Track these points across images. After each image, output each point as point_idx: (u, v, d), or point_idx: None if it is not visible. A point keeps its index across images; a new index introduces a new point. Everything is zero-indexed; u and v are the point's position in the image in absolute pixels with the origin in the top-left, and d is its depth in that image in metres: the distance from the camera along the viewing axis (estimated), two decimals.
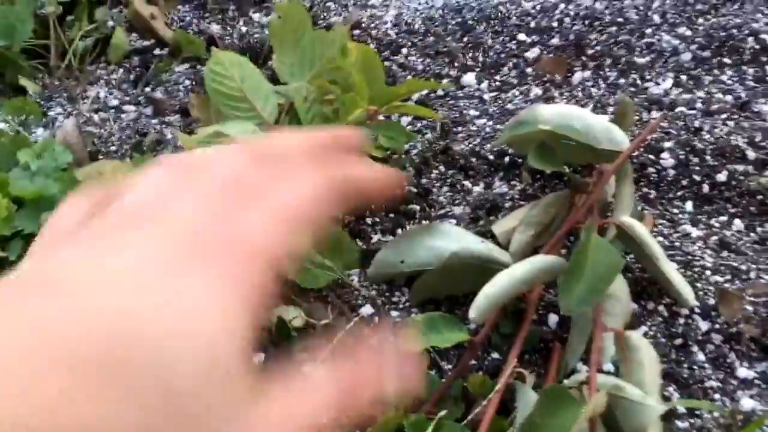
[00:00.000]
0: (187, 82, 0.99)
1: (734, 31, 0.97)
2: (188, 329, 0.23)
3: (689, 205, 0.81)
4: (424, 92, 0.95)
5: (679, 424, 0.63)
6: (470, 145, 0.87)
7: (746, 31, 0.96)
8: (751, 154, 0.81)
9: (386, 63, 0.98)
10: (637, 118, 0.88)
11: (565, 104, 0.86)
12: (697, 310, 0.70)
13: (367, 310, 0.72)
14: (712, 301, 0.70)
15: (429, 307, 0.73)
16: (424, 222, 0.81)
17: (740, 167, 0.81)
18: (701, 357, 0.67)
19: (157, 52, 1.03)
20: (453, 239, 0.73)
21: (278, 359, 0.68)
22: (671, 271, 0.68)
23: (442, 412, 0.61)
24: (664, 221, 0.79)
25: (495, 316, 0.66)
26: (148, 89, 0.98)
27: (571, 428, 0.47)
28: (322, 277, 0.73)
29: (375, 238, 0.79)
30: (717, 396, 0.65)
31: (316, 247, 0.73)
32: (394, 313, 0.72)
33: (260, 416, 0.24)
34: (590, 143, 0.73)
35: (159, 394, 0.21)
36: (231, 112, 0.83)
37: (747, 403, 0.64)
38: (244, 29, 1.05)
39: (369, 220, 0.81)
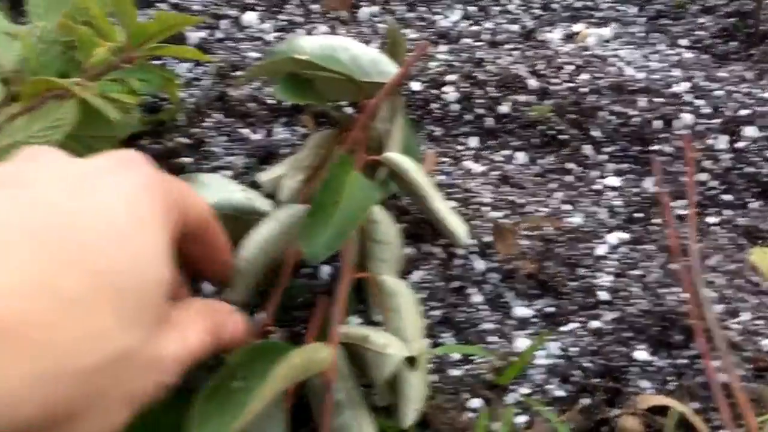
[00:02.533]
0: None
1: None
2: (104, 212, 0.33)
3: (473, 141, 0.73)
4: (203, 35, 0.84)
5: (453, 372, 0.56)
6: (249, 90, 0.77)
7: None
8: (533, 83, 0.75)
9: (159, 5, 0.85)
10: (425, 50, 0.79)
11: (330, 35, 0.76)
12: (474, 249, 0.63)
13: None
14: (490, 239, 0.63)
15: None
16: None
17: (522, 97, 0.74)
18: (478, 299, 0.61)
19: None
20: (213, 190, 0.62)
21: None
22: (443, 208, 0.60)
23: None
24: (448, 159, 0.72)
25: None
26: None
27: (261, 392, 0.38)
28: None
29: None
30: (494, 338, 0.58)
31: None
32: None
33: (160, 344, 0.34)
34: (356, 76, 0.64)
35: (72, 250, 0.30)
36: None
37: (522, 343, 0.57)
38: None
39: None
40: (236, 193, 0.62)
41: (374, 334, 0.49)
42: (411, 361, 0.47)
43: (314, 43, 0.66)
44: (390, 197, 0.66)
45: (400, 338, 0.51)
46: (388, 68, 0.67)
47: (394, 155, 0.61)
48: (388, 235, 0.60)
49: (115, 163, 0.36)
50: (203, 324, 0.38)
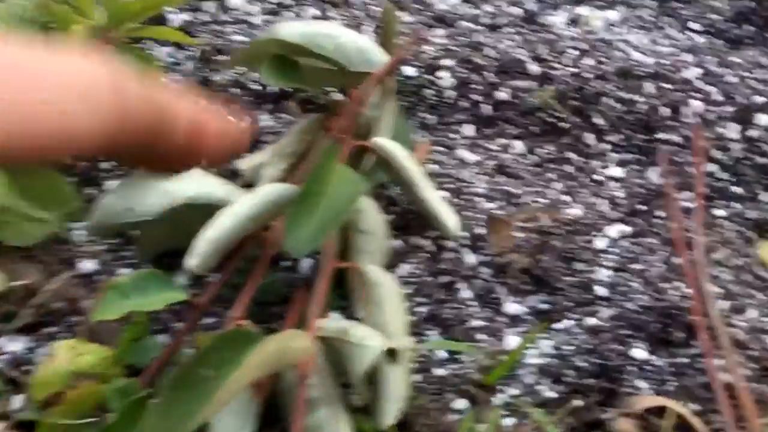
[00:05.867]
0: None
1: None
2: None
3: (469, 129, 0.73)
4: (186, 18, 0.84)
5: (438, 371, 0.56)
6: (233, 76, 0.77)
7: None
8: (534, 69, 0.75)
9: None
10: (421, 37, 0.79)
11: (315, 21, 0.76)
12: (465, 242, 0.63)
13: (88, 266, 0.61)
14: (483, 231, 0.63)
15: (165, 261, 0.63)
16: None
17: (522, 83, 0.74)
18: (468, 294, 0.61)
19: None
20: (191, 182, 0.62)
21: None
22: (433, 198, 0.61)
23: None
24: (442, 147, 0.72)
25: (231, 265, 0.57)
26: None
27: (230, 380, 0.38)
28: (33, 231, 0.62)
29: (111, 184, 0.68)
30: (482, 336, 0.58)
31: (24, 195, 0.62)
32: (124, 270, 0.62)
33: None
34: (342, 63, 0.64)
35: None
36: None
37: (513, 341, 0.57)
38: None
39: (105, 164, 0.70)
40: (215, 187, 0.62)
41: (354, 327, 0.49)
42: (392, 353, 0.46)
43: (295, 31, 0.66)
44: (378, 186, 0.66)
45: (383, 333, 0.51)
46: (375, 57, 0.67)
47: (382, 141, 0.61)
48: (374, 226, 0.60)
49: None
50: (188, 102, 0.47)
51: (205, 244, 0.53)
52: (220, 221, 0.54)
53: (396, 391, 0.50)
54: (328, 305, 0.59)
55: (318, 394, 0.47)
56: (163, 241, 0.62)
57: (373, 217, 0.60)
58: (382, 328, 0.52)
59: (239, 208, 0.54)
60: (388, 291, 0.53)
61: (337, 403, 0.48)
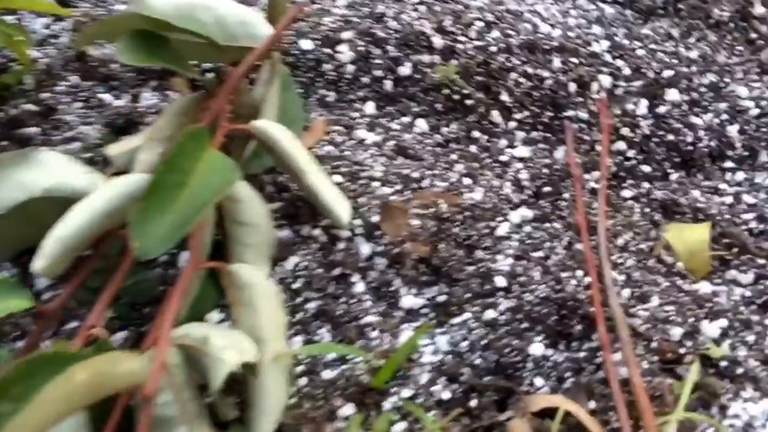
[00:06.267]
0: None
1: None
2: None
3: (370, 107, 0.69)
4: None
5: (326, 374, 0.52)
6: (113, 50, 0.71)
7: None
8: (437, 42, 0.71)
9: None
10: (319, 7, 0.75)
11: None
12: (359, 231, 0.59)
13: None
14: (378, 219, 0.60)
15: (26, 260, 0.57)
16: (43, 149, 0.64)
17: (425, 57, 0.70)
18: (361, 287, 0.57)
19: None
20: (50, 171, 0.57)
21: None
22: (320, 184, 0.56)
23: None
24: (340, 127, 0.68)
25: (88, 265, 0.52)
26: None
27: (19, 421, 0.33)
28: None
29: None
30: (376, 333, 0.55)
31: None
32: None
33: None
34: (220, 39, 0.59)
35: None
36: None
37: (408, 337, 0.54)
38: None
39: None
40: (77, 177, 0.56)
41: (217, 334, 0.44)
42: (251, 367, 0.42)
43: (168, 2, 0.61)
44: (266, 171, 0.62)
45: (255, 338, 0.47)
46: (260, 31, 0.62)
47: (263, 123, 0.57)
48: (255, 216, 0.56)
49: None
50: None
51: (53, 244, 0.48)
52: (71, 218, 0.49)
53: (271, 401, 0.46)
54: (212, 303, 0.55)
55: (173, 412, 0.42)
56: (20, 238, 0.56)
57: (254, 208, 0.56)
58: (255, 331, 0.48)
59: (93, 202, 0.49)
60: (262, 291, 0.49)
61: (198, 419, 0.44)
